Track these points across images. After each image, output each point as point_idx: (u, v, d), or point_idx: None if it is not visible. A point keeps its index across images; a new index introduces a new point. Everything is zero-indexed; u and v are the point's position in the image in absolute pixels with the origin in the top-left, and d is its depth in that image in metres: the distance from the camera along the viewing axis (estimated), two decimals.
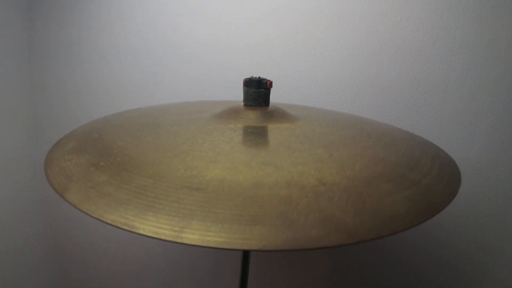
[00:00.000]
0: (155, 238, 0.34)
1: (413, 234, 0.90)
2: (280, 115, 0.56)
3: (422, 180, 0.41)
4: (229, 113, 0.56)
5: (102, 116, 0.67)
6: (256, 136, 0.50)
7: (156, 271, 1.10)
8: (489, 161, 0.82)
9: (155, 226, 0.34)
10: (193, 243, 0.33)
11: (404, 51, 0.81)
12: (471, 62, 0.79)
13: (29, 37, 0.99)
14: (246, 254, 0.65)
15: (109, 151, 0.47)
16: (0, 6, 0.90)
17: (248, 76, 0.59)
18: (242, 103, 0.60)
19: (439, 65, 0.80)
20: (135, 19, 0.93)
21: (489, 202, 0.84)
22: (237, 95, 0.63)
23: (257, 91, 0.58)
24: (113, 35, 0.95)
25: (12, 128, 0.99)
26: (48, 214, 1.13)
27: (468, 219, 0.86)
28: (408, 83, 0.82)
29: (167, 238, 0.33)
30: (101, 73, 0.99)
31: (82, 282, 1.19)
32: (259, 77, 0.59)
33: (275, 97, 0.64)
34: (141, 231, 0.34)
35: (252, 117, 0.55)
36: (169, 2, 0.90)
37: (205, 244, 0.33)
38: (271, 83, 0.59)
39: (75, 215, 1.10)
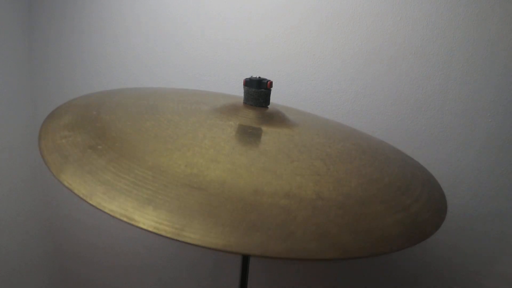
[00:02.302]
0: (155, 233, 0.34)
1: None
2: (280, 119, 0.57)
3: (412, 205, 0.43)
4: (230, 110, 0.56)
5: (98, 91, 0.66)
6: (255, 138, 0.51)
7: (156, 270, 1.10)
8: (489, 161, 0.82)
9: (156, 221, 0.34)
10: (194, 242, 0.33)
11: (404, 51, 0.81)
12: (471, 62, 0.79)
13: (29, 37, 0.97)
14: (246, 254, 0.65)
15: (107, 134, 0.47)
16: (0, 6, 0.88)
17: (248, 76, 0.60)
18: (242, 98, 0.60)
19: (439, 66, 0.80)
20: (136, 19, 0.92)
21: (488, 203, 0.85)
22: (238, 95, 0.63)
23: (258, 91, 0.58)
24: (114, 34, 0.94)
25: (12, 128, 0.98)
26: (47, 213, 1.11)
27: (467, 218, 0.87)
28: (408, 83, 0.82)
29: (168, 235, 0.34)
30: (101, 72, 0.97)
31: (82, 282, 1.17)
32: (259, 77, 0.59)
33: (275, 97, 0.64)
34: (141, 225, 0.34)
35: (252, 117, 0.55)
36: (170, 2, 0.89)
37: (205, 245, 0.33)
38: (271, 83, 0.59)
39: (74, 214, 1.09)
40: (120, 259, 1.11)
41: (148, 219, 0.35)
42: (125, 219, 0.35)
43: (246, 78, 0.59)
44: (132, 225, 0.35)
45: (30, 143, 1.03)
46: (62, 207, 1.09)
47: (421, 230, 0.40)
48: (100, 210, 0.36)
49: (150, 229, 0.34)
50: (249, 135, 0.51)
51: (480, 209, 0.87)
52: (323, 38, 0.84)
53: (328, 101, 0.87)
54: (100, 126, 0.48)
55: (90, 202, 0.36)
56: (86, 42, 0.96)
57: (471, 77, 0.80)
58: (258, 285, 1.03)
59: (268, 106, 0.60)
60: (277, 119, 0.57)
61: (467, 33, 0.78)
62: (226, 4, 0.87)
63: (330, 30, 0.84)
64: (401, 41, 0.81)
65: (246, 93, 0.59)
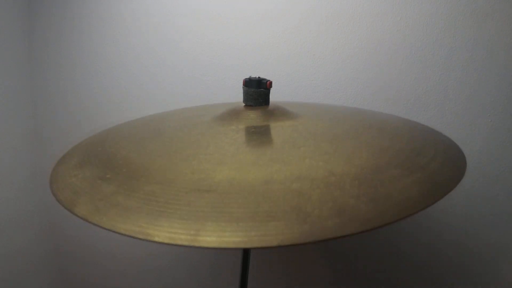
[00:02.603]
0: (172, 244, 0.33)
1: (415, 231, 0.89)
2: (281, 113, 0.56)
3: (429, 164, 0.41)
4: (230, 115, 0.56)
5: (105, 122, 0.68)
6: (259, 135, 0.50)
7: (156, 271, 1.09)
8: (489, 161, 0.82)
9: (170, 231, 0.34)
10: (210, 245, 0.32)
11: (404, 51, 0.81)
12: (471, 62, 0.78)
13: (29, 37, 0.99)
14: (246, 253, 0.64)
15: (114, 163, 0.47)
16: (0, 6, 0.90)
17: (248, 76, 0.59)
18: (242, 104, 0.60)
19: (439, 65, 0.80)
20: (136, 19, 0.93)
21: (489, 202, 0.84)
22: (237, 95, 0.63)
23: (257, 91, 0.58)
24: (113, 35, 0.96)
25: (12, 130, 0.99)
26: (48, 215, 1.12)
27: (468, 218, 0.86)
28: (408, 83, 0.82)
29: (184, 243, 0.33)
30: (101, 73, 0.99)
31: (82, 283, 1.18)
32: (258, 77, 0.59)
33: (275, 97, 0.64)
34: (156, 239, 0.34)
35: (253, 117, 0.55)
36: (170, 3, 0.91)
37: (223, 246, 0.32)
38: (270, 83, 0.59)
39: (75, 217, 1.09)
40: (121, 259, 1.11)
41: (162, 231, 0.34)
42: (140, 236, 0.35)
43: (246, 78, 0.59)
44: (148, 240, 0.34)
45: (30, 143, 1.04)
46: (62, 208, 1.10)
47: (441, 185, 0.38)
48: (115, 232, 0.36)
49: (166, 241, 0.34)
50: (252, 134, 0.51)
51: (480, 209, 0.85)
52: (323, 38, 0.84)
53: (328, 101, 0.86)
54: (106, 158, 0.49)
55: (105, 226, 0.36)
56: (86, 43, 0.97)
57: (471, 77, 0.79)
58: (258, 285, 1.02)
59: (268, 105, 0.60)
60: (279, 113, 0.56)
61: (467, 33, 0.78)
62: (226, 4, 0.88)
63: (330, 30, 0.84)
64: (401, 41, 0.81)
65: (246, 93, 0.59)
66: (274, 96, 0.62)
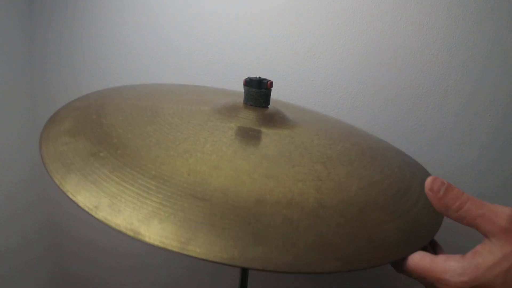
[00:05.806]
0: (161, 248, 0.35)
1: None
2: (280, 119, 0.57)
3: (411, 210, 0.44)
4: (230, 111, 0.56)
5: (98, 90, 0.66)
6: (257, 141, 0.51)
7: (156, 271, 1.11)
8: (489, 161, 0.83)
9: (161, 235, 0.35)
10: (199, 256, 0.34)
11: (404, 51, 0.81)
12: (471, 62, 0.79)
13: (29, 37, 0.97)
14: None
15: (108, 140, 0.47)
16: (0, 6, 0.87)
17: (248, 76, 0.59)
18: (241, 95, 0.60)
19: (439, 66, 0.80)
20: (136, 18, 0.91)
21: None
22: (236, 90, 0.63)
23: (258, 91, 0.58)
24: (114, 34, 0.93)
25: (12, 128, 0.98)
26: (47, 212, 1.12)
27: None
28: (408, 83, 0.83)
29: (174, 249, 0.35)
30: (102, 72, 0.97)
31: (81, 281, 1.19)
32: (259, 77, 0.59)
33: (275, 97, 0.64)
34: (147, 239, 0.35)
35: (252, 118, 0.55)
36: (170, 1, 0.88)
37: (210, 258, 0.34)
38: (271, 83, 0.59)
39: (74, 213, 1.10)
40: (121, 258, 1.13)
41: (154, 233, 0.35)
42: (131, 234, 0.35)
43: (246, 78, 0.59)
44: (139, 239, 0.35)
45: (29, 141, 1.03)
46: (62, 206, 1.10)
47: (420, 234, 0.41)
48: (106, 224, 0.36)
49: (156, 243, 0.35)
50: (250, 138, 0.51)
51: None
52: (323, 38, 0.84)
53: (328, 101, 0.87)
54: (101, 132, 0.48)
55: (96, 216, 0.37)
56: (86, 42, 0.96)
57: (471, 77, 0.80)
58: (258, 285, 1.05)
59: (268, 106, 0.60)
60: (278, 119, 0.57)
61: (467, 33, 0.78)
62: (226, 3, 0.86)
63: (330, 30, 0.83)
64: (401, 41, 0.81)
65: (246, 93, 0.59)
66: (274, 96, 0.62)
